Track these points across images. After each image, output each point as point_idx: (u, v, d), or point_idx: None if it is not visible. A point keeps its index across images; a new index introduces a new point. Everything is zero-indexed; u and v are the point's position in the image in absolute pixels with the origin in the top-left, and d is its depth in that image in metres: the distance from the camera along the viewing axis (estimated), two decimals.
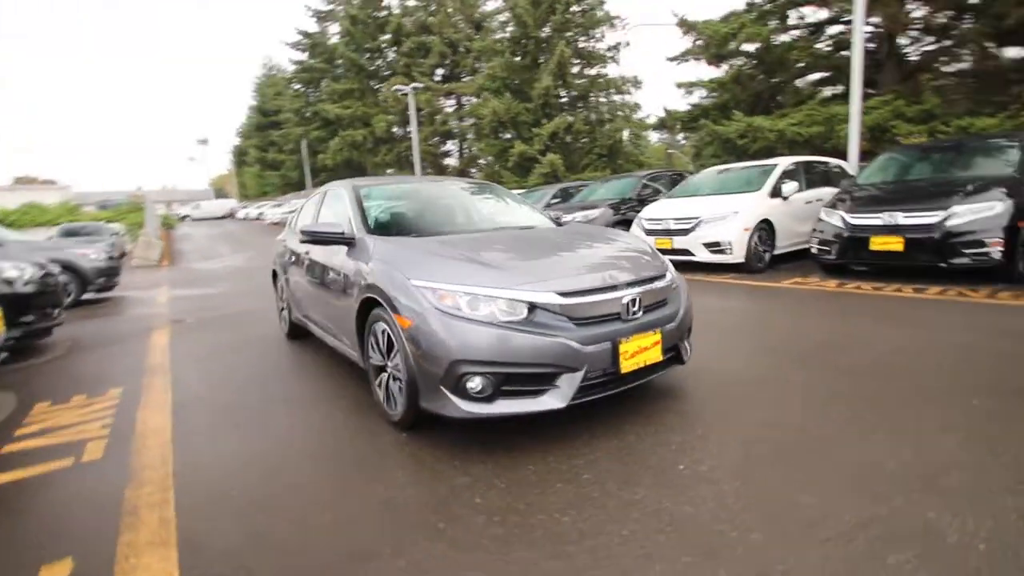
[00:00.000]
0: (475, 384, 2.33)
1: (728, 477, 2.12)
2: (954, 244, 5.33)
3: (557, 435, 2.51)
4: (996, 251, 5.18)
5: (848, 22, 16.28)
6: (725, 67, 15.97)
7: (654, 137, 33.88)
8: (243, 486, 2.28)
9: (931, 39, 14.56)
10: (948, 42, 14.39)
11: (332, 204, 3.95)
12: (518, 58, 24.42)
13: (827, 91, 15.47)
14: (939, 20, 13.86)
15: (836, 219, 6.24)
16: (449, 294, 2.41)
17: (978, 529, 1.78)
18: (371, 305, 2.80)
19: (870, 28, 13.73)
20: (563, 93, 24.12)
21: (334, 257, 3.39)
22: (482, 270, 2.53)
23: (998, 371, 3.12)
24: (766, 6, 16.28)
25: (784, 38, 15.06)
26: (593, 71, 24.42)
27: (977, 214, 5.27)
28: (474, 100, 28.42)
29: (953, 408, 2.65)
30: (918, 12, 13.67)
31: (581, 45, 24.22)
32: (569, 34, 23.51)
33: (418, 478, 2.24)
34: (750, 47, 15.16)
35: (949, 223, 5.36)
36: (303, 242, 3.44)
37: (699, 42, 15.61)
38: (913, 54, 15.24)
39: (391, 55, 34.76)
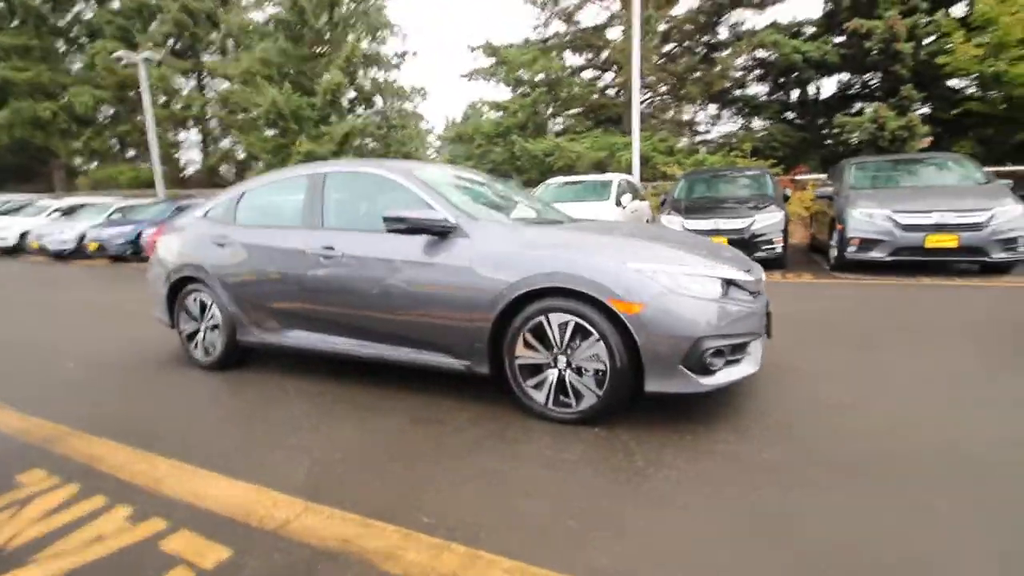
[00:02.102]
0: (715, 359, 2.45)
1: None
2: (757, 242, 7.49)
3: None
4: (779, 246, 7.53)
5: (605, 68, 20.23)
6: (520, 90, 17.88)
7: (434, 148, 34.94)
8: None
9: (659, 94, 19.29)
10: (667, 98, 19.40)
11: (362, 194, 3.39)
12: (293, 45, 22.34)
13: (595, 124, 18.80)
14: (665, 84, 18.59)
15: (677, 225, 7.94)
16: (679, 275, 2.48)
17: None
18: (522, 305, 2.62)
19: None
20: (353, 93, 23.06)
21: (403, 251, 2.93)
22: (685, 252, 2.66)
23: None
24: (549, 42, 18.94)
25: (574, 76, 17.73)
26: (381, 75, 24.05)
27: (768, 221, 7.54)
28: (227, 85, 24.66)
29: None
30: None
31: (366, 46, 23.58)
32: (355, 33, 22.64)
33: None
34: (542, 77, 17.33)
35: (753, 227, 7.51)
36: (396, 230, 2.91)
37: (501, 65, 17.07)
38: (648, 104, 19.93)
39: (89, 13, 27.28)
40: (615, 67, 20.58)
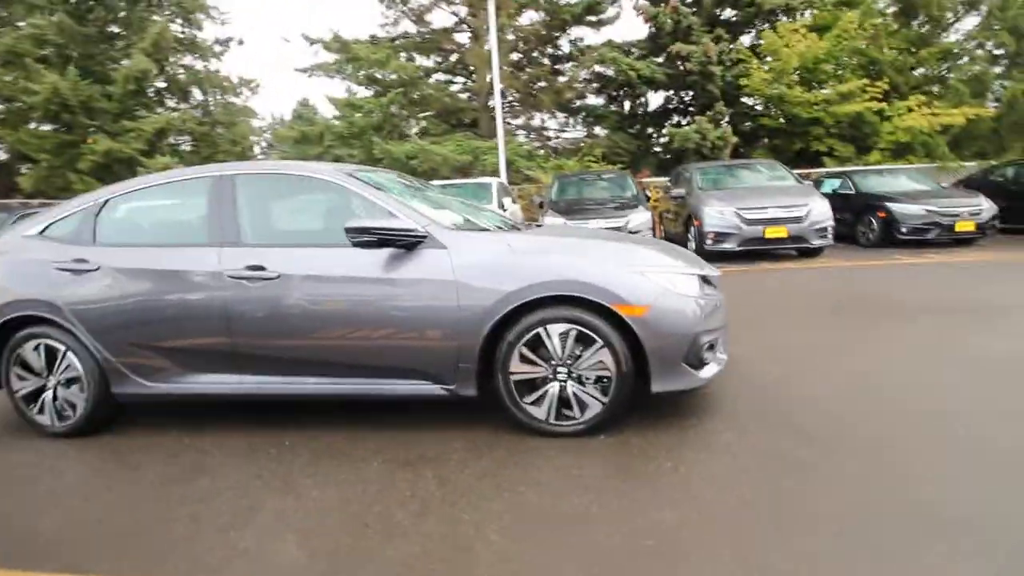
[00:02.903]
0: (708, 352, 2.53)
1: None
2: None
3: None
4: None
5: (456, 72, 20.29)
6: (373, 90, 16.99)
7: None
8: None
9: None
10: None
11: (291, 201, 2.80)
12: (76, 22, 18.26)
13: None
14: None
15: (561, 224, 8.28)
16: (673, 274, 2.52)
17: None
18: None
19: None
20: (163, 83, 19.62)
21: (364, 268, 2.50)
22: (663, 252, 2.70)
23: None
24: (396, 42, 18.33)
25: (427, 78, 17.34)
26: (199, 64, 20.87)
27: (641, 219, 8.27)
28: None
29: None
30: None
31: (178, 29, 20.29)
32: (167, 13, 19.34)
33: None
34: (395, 77, 16.68)
35: (629, 225, 8.14)
36: (363, 243, 2.45)
37: (352, 61, 16.01)
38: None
39: None
40: (467, 71, 20.86)
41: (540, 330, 2.43)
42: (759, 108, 16.66)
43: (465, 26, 19.43)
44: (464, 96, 20.35)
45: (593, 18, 17.09)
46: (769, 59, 14.96)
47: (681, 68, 15.34)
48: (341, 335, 2.55)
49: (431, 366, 2.53)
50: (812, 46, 13.89)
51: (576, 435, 2.51)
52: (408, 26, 18.80)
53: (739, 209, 7.95)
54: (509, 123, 20.96)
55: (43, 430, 2.86)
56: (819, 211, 7.94)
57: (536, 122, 19.94)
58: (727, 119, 14.86)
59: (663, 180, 12.41)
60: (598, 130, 20.76)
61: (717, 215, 8.02)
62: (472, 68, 20.28)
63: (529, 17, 18.21)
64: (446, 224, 2.63)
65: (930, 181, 10.17)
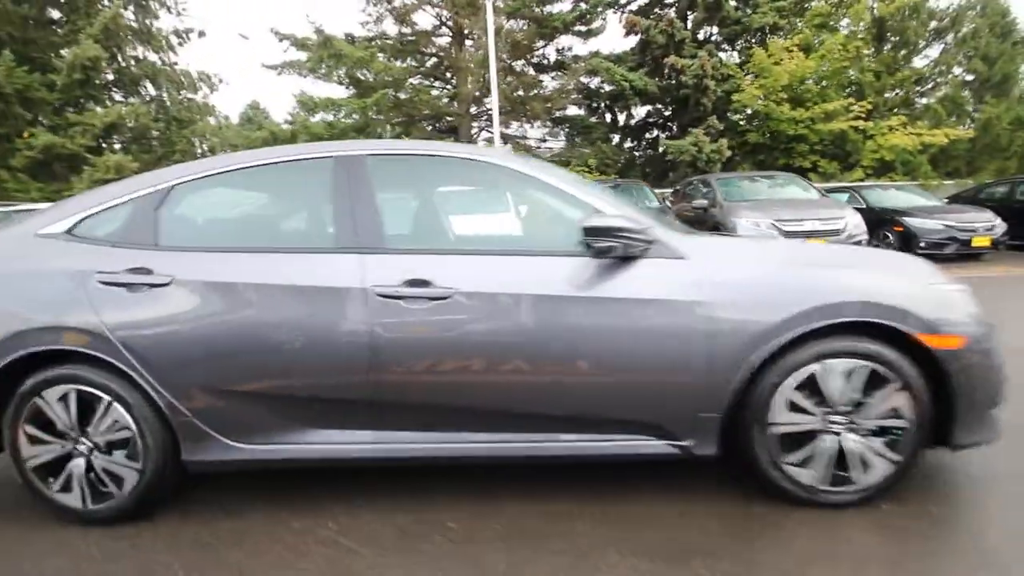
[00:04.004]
0: None
1: None
2: None
3: None
4: None
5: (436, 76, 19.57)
6: (353, 91, 16.00)
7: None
8: None
9: None
10: None
11: (450, 194, 2.08)
12: (10, 1, 16.34)
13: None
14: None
15: None
16: (966, 294, 1.96)
17: None
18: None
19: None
20: (111, 74, 17.80)
21: (572, 283, 1.82)
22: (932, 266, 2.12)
23: None
24: (374, 42, 17.43)
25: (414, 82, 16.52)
26: (153, 56, 19.14)
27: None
28: None
29: None
30: None
31: (131, 17, 18.56)
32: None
33: None
34: (380, 77, 15.78)
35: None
36: (603, 251, 1.81)
37: (334, 59, 15.00)
38: None
39: None
40: (445, 76, 20.17)
41: (815, 367, 1.82)
42: (742, 123, 16.90)
43: (446, 29, 18.80)
44: (443, 101, 19.65)
45: (583, 28, 16.86)
46: (755, 76, 15.15)
47: (674, 81, 15.30)
48: (534, 375, 1.85)
49: (659, 416, 1.87)
50: (800, 65, 14.16)
51: (848, 505, 1.91)
52: (388, 26, 17.98)
53: (776, 221, 7.67)
54: (489, 131, 20.46)
55: (67, 514, 1.99)
56: (855, 224, 7.78)
57: (512, 131, 19.39)
58: (719, 133, 14.89)
59: (661, 192, 12.19)
60: (578, 141, 20.59)
61: (753, 227, 7.71)
62: (451, 73, 19.69)
63: (516, 24, 17.82)
64: (673, 227, 1.99)
65: (933, 198, 10.37)
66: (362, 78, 15.85)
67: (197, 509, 2.06)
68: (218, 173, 2.07)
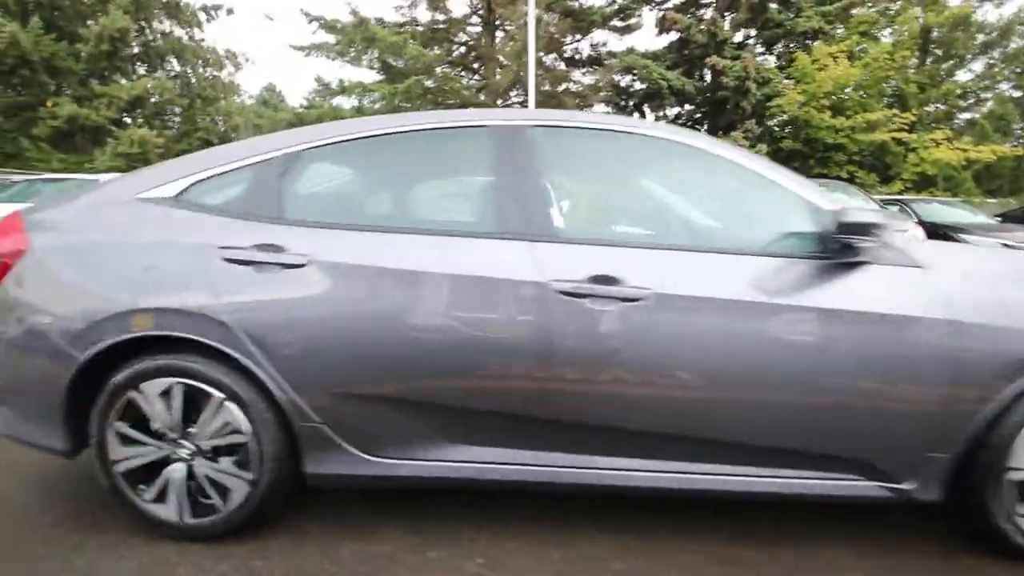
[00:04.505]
0: None
1: None
2: None
3: None
4: None
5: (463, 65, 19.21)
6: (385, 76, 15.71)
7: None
8: None
9: None
10: None
11: (628, 176, 1.75)
12: None
13: None
14: None
15: None
16: None
17: None
18: None
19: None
20: (138, 47, 17.56)
21: (785, 289, 1.51)
22: None
23: None
24: (405, 27, 17.09)
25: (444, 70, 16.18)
26: (180, 31, 18.89)
27: None
28: None
29: None
30: None
31: None
32: None
33: None
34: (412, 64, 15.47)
35: None
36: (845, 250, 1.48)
37: (367, 42, 14.71)
38: None
39: None
40: (472, 66, 19.81)
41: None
42: (776, 129, 16.51)
43: (477, 17, 18.43)
44: (470, 92, 19.30)
45: (620, 23, 16.49)
46: (796, 81, 14.76)
47: (710, 82, 14.93)
48: (732, 397, 1.55)
49: (873, 452, 1.57)
50: (845, 72, 13.76)
51: None
52: (421, 12, 17.63)
53: None
54: None
55: (160, 528, 1.70)
56: (919, 237, 7.46)
57: None
58: (756, 137, 14.52)
59: None
60: None
61: None
62: (479, 63, 19.33)
63: (550, 17, 17.45)
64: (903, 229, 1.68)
65: (981, 214, 10.02)
66: (393, 64, 15.53)
67: (313, 530, 1.77)
68: (353, 139, 1.75)
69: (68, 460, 1.83)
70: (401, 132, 1.79)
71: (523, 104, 19.52)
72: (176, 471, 1.67)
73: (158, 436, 1.67)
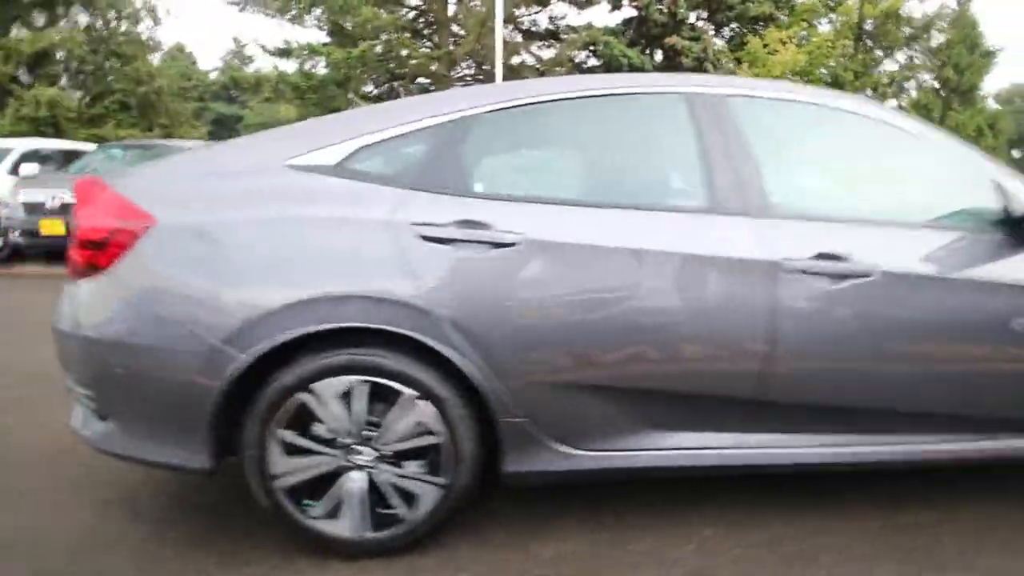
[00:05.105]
0: None
1: None
2: None
3: None
4: None
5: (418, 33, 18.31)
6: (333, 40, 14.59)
7: None
8: None
9: None
10: None
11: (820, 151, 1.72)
12: None
13: None
14: None
15: None
16: None
17: None
18: None
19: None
20: None
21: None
22: None
23: None
24: None
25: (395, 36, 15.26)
26: None
27: None
28: None
29: None
30: None
31: None
32: None
33: None
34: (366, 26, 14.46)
35: None
36: None
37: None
38: None
39: None
40: (423, 34, 18.91)
41: None
42: None
43: None
44: (420, 60, 18.44)
45: None
46: (748, 65, 15.36)
47: (668, 62, 15.18)
48: (944, 370, 1.57)
49: None
50: (793, 58, 14.46)
51: None
52: None
53: None
54: None
55: (330, 545, 1.49)
56: None
57: None
58: None
59: None
60: None
61: None
62: (431, 30, 18.51)
63: None
64: None
65: None
66: (344, 26, 14.47)
67: (497, 532, 1.63)
68: (533, 102, 1.55)
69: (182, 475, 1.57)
70: (575, 96, 1.61)
71: (479, 78, 19.01)
72: (353, 481, 1.45)
73: (328, 443, 1.45)
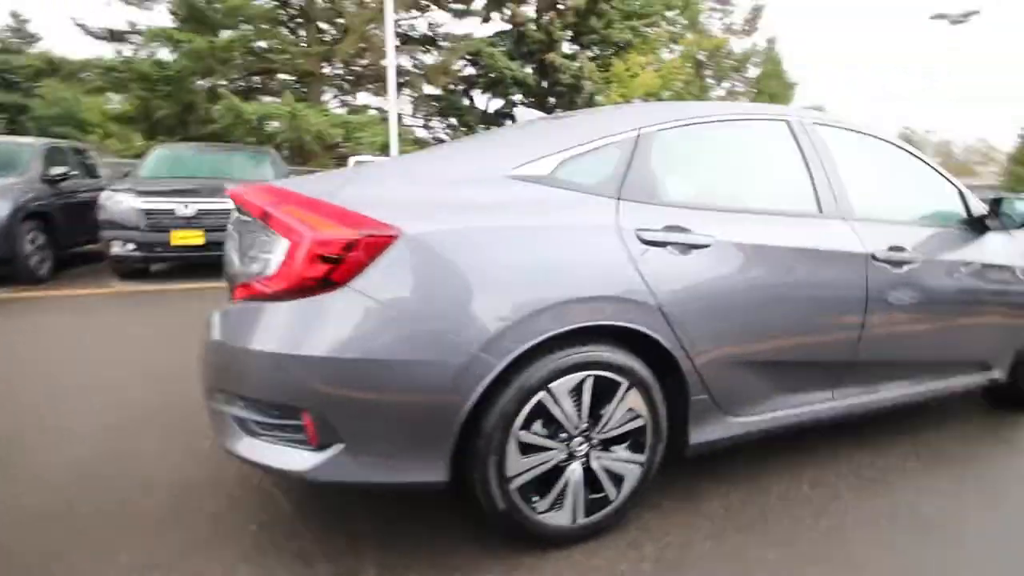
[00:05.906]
0: None
1: None
2: None
3: None
4: None
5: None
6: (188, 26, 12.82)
7: None
8: None
9: None
10: None
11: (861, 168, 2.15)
12: None
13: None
14: None
15: None
16: None
17: None
18: None
19: None
20: None
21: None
22: None
23: None
24: None
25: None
26: None
27: None
28: None
29: None
30: None
31: None
32: None
33: None
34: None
35: None
36: None
37: None
38: None
39: None
40: (287, 27, 17.55)
41: None
42: None
43: None
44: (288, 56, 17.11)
45: (460, 6, 16.52)
46: (614, 84, 17.10)
47: (544, 75, 16.22)
48: (960, 324, 2.26)
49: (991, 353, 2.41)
50: (651, 80, 16.48)
51: None
52: None
53: None
54: (346, 101, 18.68)
55: (551, 538, 1.56)
56: None
57: (362, 100, 18.04)
58: None
59: None
60: (434, 122, 20.20)
61: None
62: (296, 23, 17.28)
63: None
64: None
65: None
66: (204, 11, 12.82)
67: (666, 502, 1.82)
68: (695, 123, 1.84)
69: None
70: (713, 119, 1.91)
71: (349, 78, 18.17)
72: (575, 471, 1.56)
73: (555, 438, 1.53)
